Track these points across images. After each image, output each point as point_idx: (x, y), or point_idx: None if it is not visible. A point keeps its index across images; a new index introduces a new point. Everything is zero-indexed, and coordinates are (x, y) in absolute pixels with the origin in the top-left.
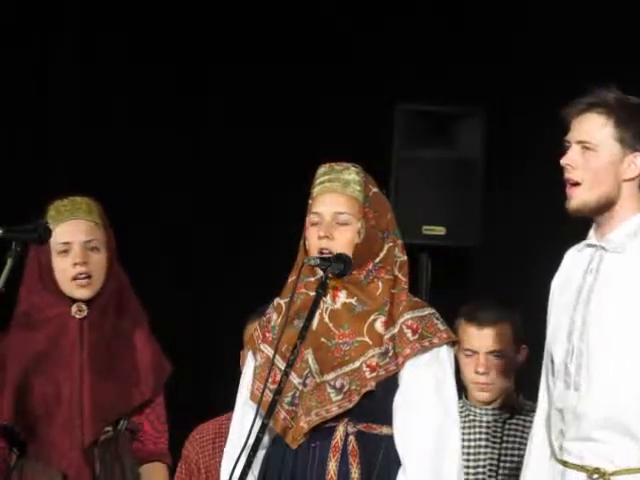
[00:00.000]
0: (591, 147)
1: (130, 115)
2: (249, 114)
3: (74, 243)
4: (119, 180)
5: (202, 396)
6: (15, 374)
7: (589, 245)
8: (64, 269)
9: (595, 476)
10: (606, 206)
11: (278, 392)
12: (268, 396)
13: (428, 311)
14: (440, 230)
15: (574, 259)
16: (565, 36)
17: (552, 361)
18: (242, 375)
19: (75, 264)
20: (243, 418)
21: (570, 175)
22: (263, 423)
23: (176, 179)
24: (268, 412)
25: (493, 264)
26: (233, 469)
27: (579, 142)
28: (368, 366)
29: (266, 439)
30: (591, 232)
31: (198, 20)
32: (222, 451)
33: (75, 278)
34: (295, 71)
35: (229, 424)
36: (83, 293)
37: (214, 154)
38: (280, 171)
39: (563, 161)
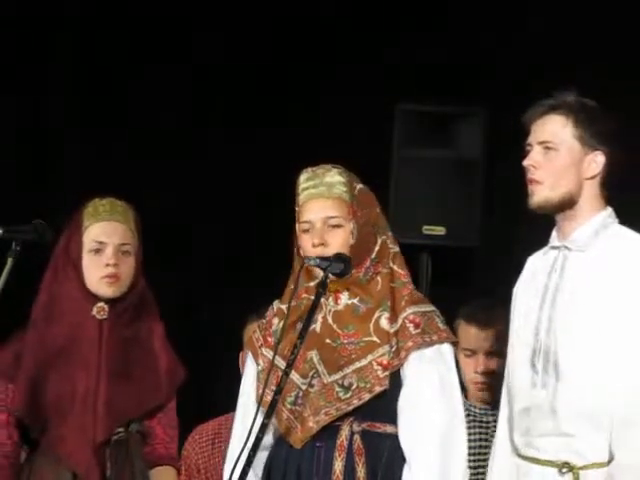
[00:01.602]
0: (553, 147)
1: (130, 115)
2: (249, 114)
3: (109, 244)
4: (118, 180)
5: (202, 396)
6: (31, 368)
7: (553, 247)
8: (94, 267)
9: (564, 470)
10: (569, 204)
11: (278, 392)
12: (269, 397)
13: (430, 308)
14: (440, 230)
15: (537, 263)
16: (565, 36)
17: (517, 364)
18: (243, 378)
19: (107, 265)
20: (244, 420)
21: (533, 176)
22: (264, 423)
23: (176, 178)
24: (268, 412)
25: (493, 264)
26: (233, 469)
27: (541, 143)
28: (379, 364)
29: (269, 439)
30: (553, 234)
31: (194, 17)
32: (221, 452)
33: (104, 277)
34: (295, 71)
35: (228, 425)
36: (109, 291)
37: (215, 153)
38: (280, 171)
39: (526, 162)
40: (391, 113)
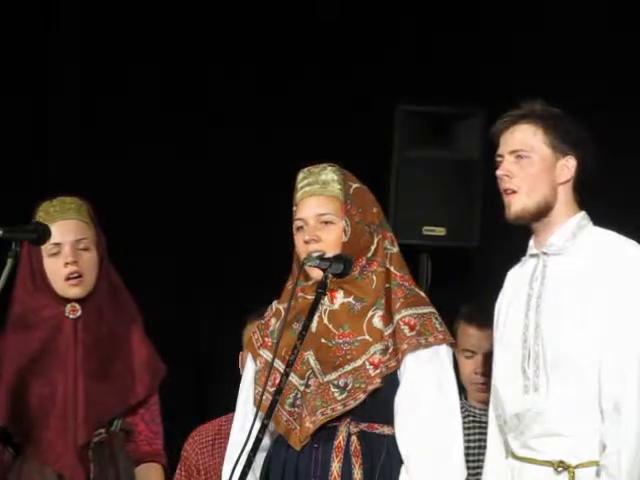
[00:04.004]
0: (525, 155)
1: (129, 115)
2: (249, 114)
3: (64, 243)
4: (118, 180)
5: (202, 396)
6: (10, 374)
7: (531, 256)
8: (56, 270)
9: (560, 469)
10: (545, 211)
11: (278, 392)
12: (268, 399)
13: (428, 309)
14: (440, 230)
15: (516, 275)
16: (565, 36)
17: (502, 375)
18: (242, 378)
19: (66, 264)
20: (244, 420)
21: (507, 185)
22: (263, 424)
23: (176, 177)
24: (268, 412)
25: (493, 264)
26: (233, 470)
27: (513, 152)
28: (371, 363)
29: (267, 440)
30: (530, 243)
31: (197, 19)
32: (221, 452)
33: (67, 278)
34: (295, 71)
35: (228, 425)
36: (75, 292)
37: (215, 153)
38: (280, 171)
39: (499, 172)
40: (391, 113)
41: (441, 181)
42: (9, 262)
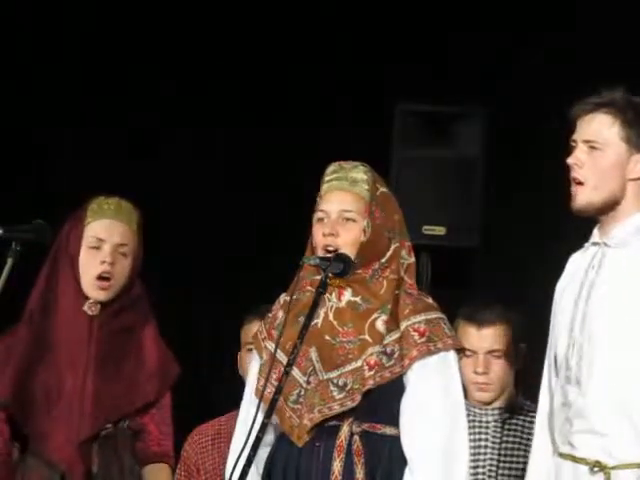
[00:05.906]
0: (598, 147)
1: (130, 116)
2: (249, 114)
3: (107, 242)
4: (118, 179)
5: (202, 396)
6: (21, 360)
7: (593, 244)
8: (89, 263)
9: (596, 469)
10: (611, 205)
11: (278, 391)
12: (270, 393)
13: (437, 315)
14: (440, 230)
15: (577, 260)
16: (565, 36)
17: (555, 359)
18: (248, 376)
19: (102, 262)
20: (247, 417)
21: (576, 174)
22: (264, 423)
23: (177, 177)
24: (269, 411)
25: (493, 264)
26: (233, 468)
27: (586, 141)
28: (367, 364)
29: (270, 437)
30: (595, 231)
31: (198, 20)
32: (221, 452)
33: (98, 277)
34: (296, 71)
35: (228, 425)
36: (100, 295)
37: (215, 153)
38: (280, 171)
39: (570, 160)
40: (391, 113)
41: (441, 181)
42: (9, 262)
